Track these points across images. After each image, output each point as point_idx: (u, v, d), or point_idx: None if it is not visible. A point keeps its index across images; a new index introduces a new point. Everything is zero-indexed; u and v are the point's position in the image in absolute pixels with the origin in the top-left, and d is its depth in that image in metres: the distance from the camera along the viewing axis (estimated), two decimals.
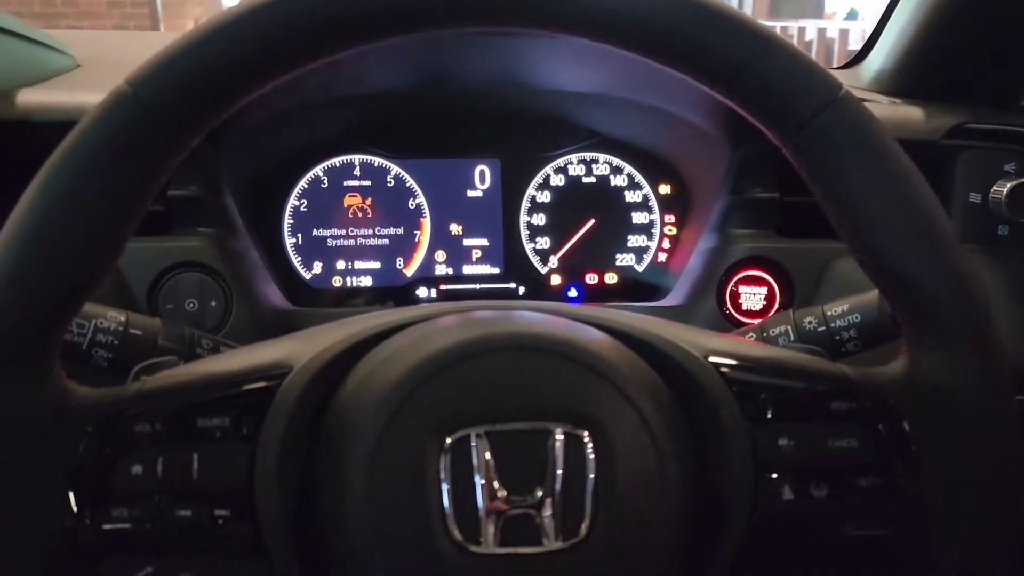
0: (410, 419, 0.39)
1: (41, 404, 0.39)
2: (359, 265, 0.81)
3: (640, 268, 0.83)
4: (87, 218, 0.38)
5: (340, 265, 0.80)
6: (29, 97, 0.64)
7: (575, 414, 0.39)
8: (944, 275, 0.41)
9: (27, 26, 0.71)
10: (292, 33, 0.38)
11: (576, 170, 0.82)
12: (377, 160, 0.80)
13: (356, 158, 0.80)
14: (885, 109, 0.75)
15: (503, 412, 0.39)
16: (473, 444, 0.38)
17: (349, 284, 0.81)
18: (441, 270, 0.82)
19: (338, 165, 0.80)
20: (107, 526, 0.39)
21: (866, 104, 0.75)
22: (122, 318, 0.52)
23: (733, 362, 0.44)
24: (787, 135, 0.42)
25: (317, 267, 0.80)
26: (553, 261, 0.83)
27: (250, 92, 0.39)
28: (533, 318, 0.44)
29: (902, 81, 0.79)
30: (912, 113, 0.73)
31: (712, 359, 0.44)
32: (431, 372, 0.40)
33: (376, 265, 0.81)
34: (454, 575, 0.37)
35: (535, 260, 0.83)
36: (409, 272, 0.81)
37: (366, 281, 0.81)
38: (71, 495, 0.39)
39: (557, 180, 0.82)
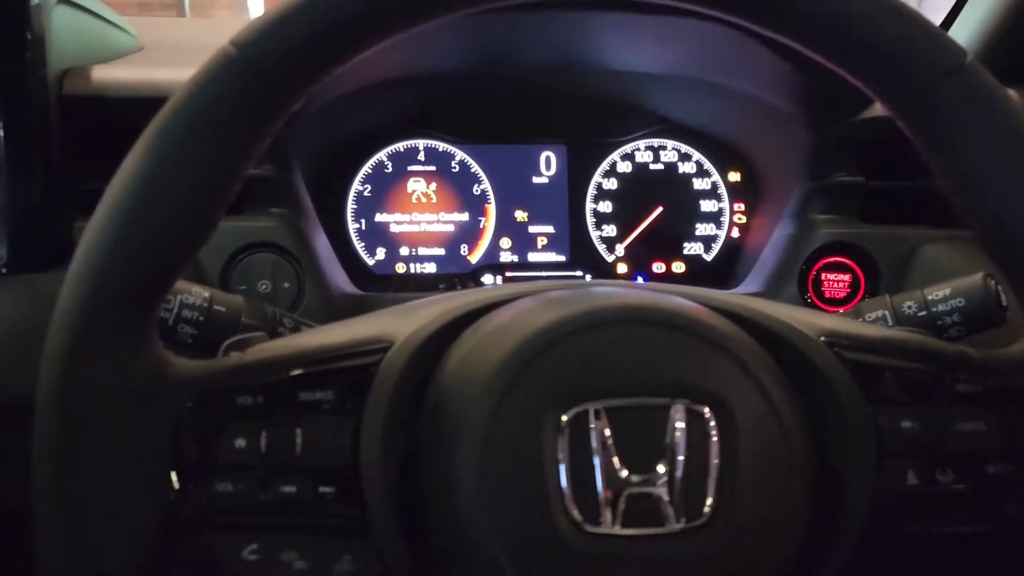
0: (524, 395, 0.37)
1: (142, 375, 0.38)
2: (423, 251, 0.79)
3: (708, 257, 0.81)
4: (192, 183, 0.36)
5: (403, 251, 0.79)
6: (103, 73, 0.64)
7: (695, 389, 0.38)
8: None
9: (95, 1, 0.70)
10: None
11: (643, 157, 0.81)
12: (441, 145, 0.79)
13: (420, 143, 0.79)
14: None
15: (620, 386, 0.37)
16: (591, 422, 0.37)
17: (413, 271, 0.79)
18: (506, 257, 0.80)
19: (402, 150, 0.79)
20: (210, 502, 0.38)
21: None
22: (206, 294, 0.51)
23: (850, 342, 0.42)
24: (907, 102, 0.39)
25: (380, 253, 0.79)
26: (619, 249, 0.81)
27: (355, 53, 0.38)
28: (643, 292, 0.42)
29: (990, 65, 0.76)
30: None
31: (826, 339, 0.42)
32: (543, 345, 0.38)
33: (440, 252, 0.80)
34: (574, 556, 0.36)
35: (601, 248, 0.81)
36: (474, 259, 0.80)
37: (430, 268, 0.80)
38: (173, 468, 0.38)
39: (624, 167, 0.81)
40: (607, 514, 0.36)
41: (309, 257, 0.66)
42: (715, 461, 0.37)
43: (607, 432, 0.36)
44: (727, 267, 0.80)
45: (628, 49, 0.75)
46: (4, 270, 0.56)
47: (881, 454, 0.40)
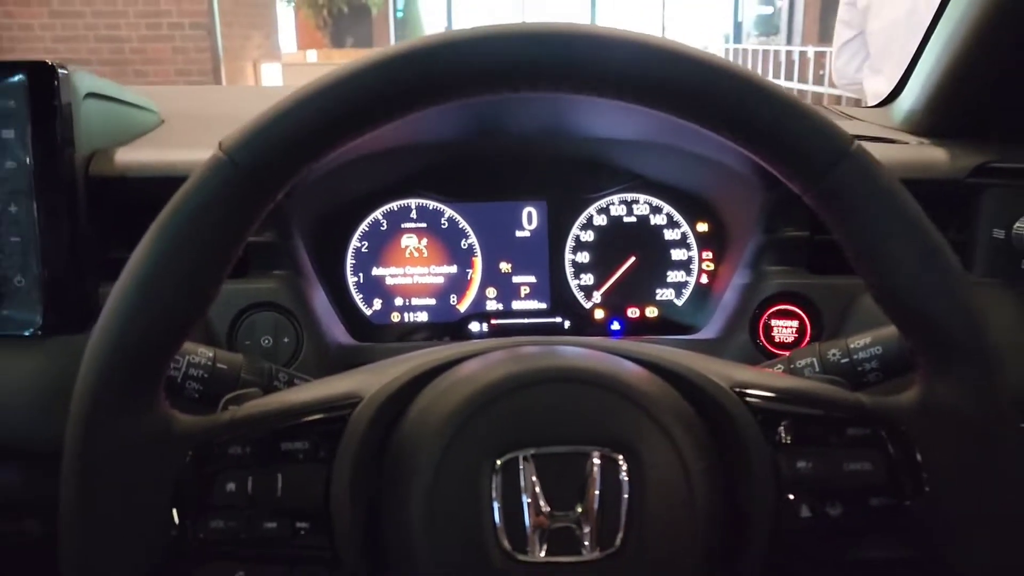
0: (465, 444, 0.44)
1: (150, 431, 0.45)
2: (416, 302, 0.87)
3: (679, 302, 0.88)
4: (192, 268, 0.44)
5: (398, 302, 0.87)
6: (124, 156, 0.72)
7: (611, 439, 0.44)
8: (954, 312, 0.45)
9: (118, 87, 0.79)
10: (363, 103, 0.44)
11: (618, 210, 0.87)
12: (432, 204, 0.86)
13: (413, 202, 0.86)
14: (912, 150, 0.79)
15: (547, 437, 0.44)
16: (520, 466, 0.43)
17: (406, 320, 0.87)
18: (492, 306, 0.87)
19: (396, 209, 0.86)
20: (204, 536, 0.45)
21: (896, 144, 0.79)
22: (211, 354, 0.59)
23: (757, 392, 0.49)
24: (807, 186, 0.46)
25: (377, 304, 0.86)
26: (597, 296, 0.88)
27: (327, 153, 0.45)
28: (575, 352, 0.49)
29: (930, 121, 0.83)
30: (937, 154, 0.77)
31: (738, 390, 0.49)
32: (483, 402, 0.45)
33: (431, 302, 0.87)
34: None
35: (580, 296, 0.88)
36: (462, 308, 0.87)
37: (422, 317, 0.87)
38: (174, 509, 0.45)
39: (600, 220, 0.87)
40: (534, 544, 0.43)
41: (307, 314, 0.74)
42: (626, 500, 0.43)
43: (534, 475, 0.43)
44: (696, 311, 0.87)
45: (601, 118, 0.82)
46: (39, 332, 0.64)
47: (779, 491, 0.47)
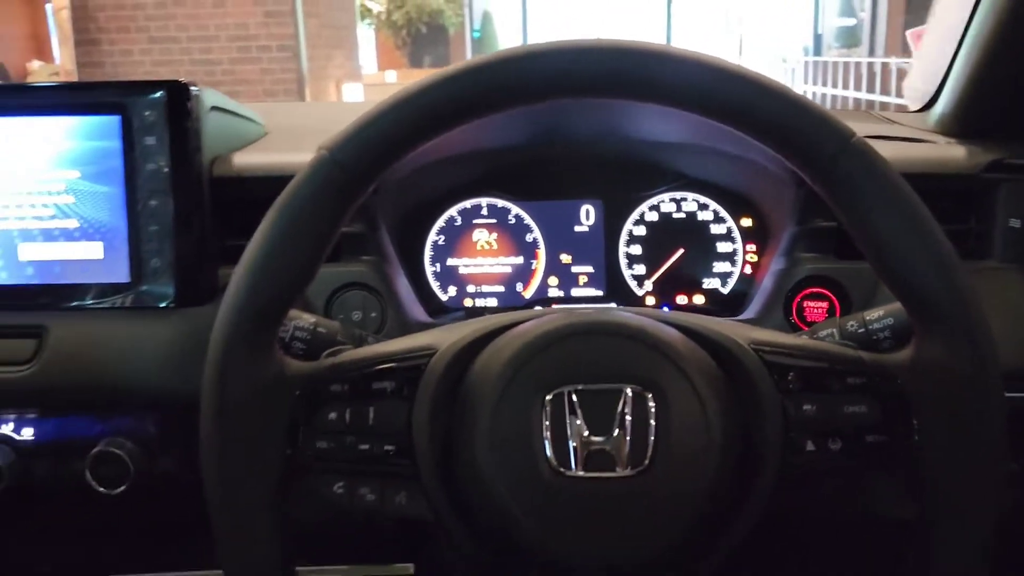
0: (521, 383, 0.54)
1: (269, 373, 0.56)
2: (486, 288, 0.97)
3: (725, 291, 0.96)
4: (300, 247, 0.54)
5: (470, 288, 0.97)
6: (240, 159, 0.85)
7: (642, 380, 0.54)
8: (941, 283, 0.52)
9: (234, 102, 0.92)
10: (439, 110, 0.53)
11: (667, 207, 0.96)
12: (500, 202, 0.97)
13: (483, 201, 0.97)
14: (936, 148, 0.86)
15: (588, 377, 0.54)
16: (566, 400, 0.53)
17: (478, 304, 0.97)
18: (554, 292, 0.97)
19: (469, 207, 0.97)
20: (312, 454, 0.56)
21: (924, 143, 0.86)
22: (313, 320, 0.70)
23: (770, 348, 0.57)
24: (814, 173, 0.54)
25: (452, 291, 0.97)
26: (648, 285, 0.97)
27: (411, 151, 0.55)
28: (616, 313, 0.59)
29: (959, 123, 0.90)
30: (958, 151, 0.84)
31: (755, 347, 0.58)
32: (536, 350, 0.55)
33: (500, 289, 0.97)
34: (551, 492, 0.52)
35: (632, 284, 0.97)
36: (527, 295, 0.97)
37: (491, 302, 0.97)
38: (289, 433, 0.56)
39: (651, 216, 0.97)
40: (577, 463, 0.52)
41: (391, 294, 0.85)
42: (653, 429, 0.53)
43: (577, 408, 0.53)
44: (740, 298, 0.95)
45: (651, 124, 0.91)
46: (173, 305, 0.77)
47: (787, 429, 0.55)
